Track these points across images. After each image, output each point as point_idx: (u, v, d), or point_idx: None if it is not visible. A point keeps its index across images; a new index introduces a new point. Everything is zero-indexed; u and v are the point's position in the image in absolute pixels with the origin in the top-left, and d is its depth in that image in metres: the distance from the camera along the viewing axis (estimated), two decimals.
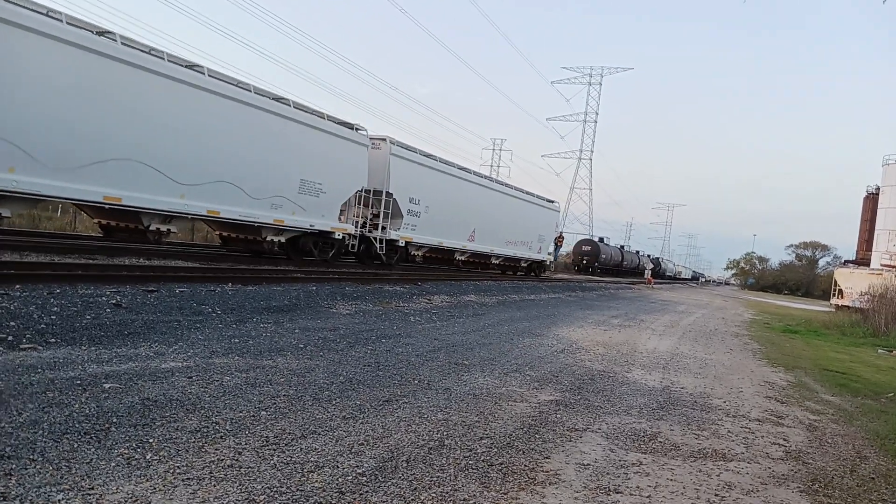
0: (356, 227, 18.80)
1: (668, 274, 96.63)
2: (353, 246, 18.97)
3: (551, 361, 7.65)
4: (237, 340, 6.50)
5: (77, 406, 3.77)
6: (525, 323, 11.57)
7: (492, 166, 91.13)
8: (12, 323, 5.69)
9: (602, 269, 59.65)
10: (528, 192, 30.69)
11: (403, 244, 20.47)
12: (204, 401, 4.20)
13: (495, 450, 3.93)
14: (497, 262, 28.85)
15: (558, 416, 5.04)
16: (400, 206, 19.81)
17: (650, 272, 58.87)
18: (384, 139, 19.37)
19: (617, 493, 3.49)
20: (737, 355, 10.93)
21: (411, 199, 20.51)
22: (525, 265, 31.83)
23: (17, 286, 7.22)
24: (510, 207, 28.28)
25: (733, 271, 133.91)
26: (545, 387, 6.11)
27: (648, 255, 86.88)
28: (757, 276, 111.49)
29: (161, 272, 10.46)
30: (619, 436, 4.69)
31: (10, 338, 5.28)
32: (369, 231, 19.35)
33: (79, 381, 4.28)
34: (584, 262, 59.13)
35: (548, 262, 34.14)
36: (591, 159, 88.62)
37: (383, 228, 19.33)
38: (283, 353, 6.18)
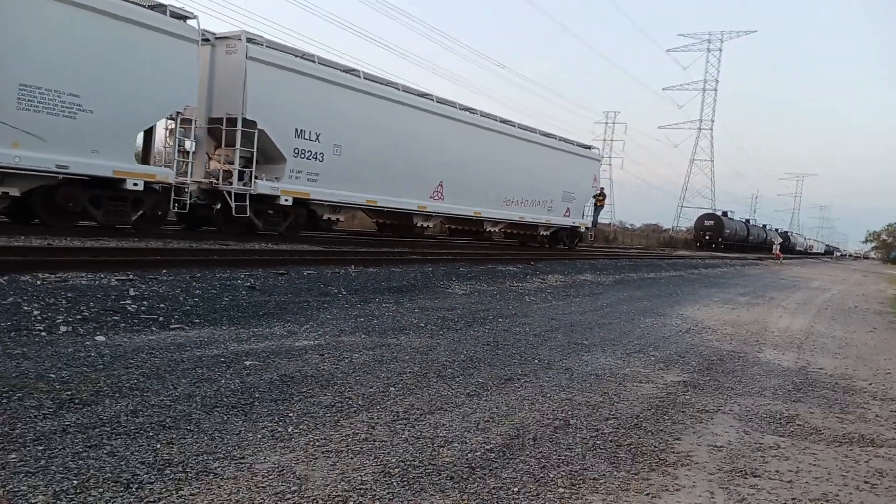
0: (186, 173, 12.38)
1: (798, 248, 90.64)
2: (182, 205, 12.31)
3: (676, 341, 7.41)
4: (362, 320, 6.76)
5: (223, 382, 4.06)
6: (645, 302, 11.25)
7: (605, 140, 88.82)
8: (162, 305, 6.20)
9: (726, 244, 56.85)
10: (545, 134, 23.26)
11: (290, 201, 14.08)
12: (336, 377, 4.41)
13: (623, 430, 3.87)
14: (495, 229, 22.38)
15: (686, 397, 4.89)
16: (277, 145, 13.58)
17: (779, 247, 55.37)
18: (239, 37, 13.07)
19: (755, 476, 3.34)
20: (882, 334, 10.11)
21: (301, 133, 14.02)
22: (546, 234, 24.44)
23: (164, 271, 7.84)
24: (512, 153, 21.21)
25: (873, 244, 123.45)
26: (671, 367, 5.93)
27: (776, 229, 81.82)
28: None
29: (288, 256, 11.02)
30: (754, 418, 4.49)
31: (161, 318, 5.76)
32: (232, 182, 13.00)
33: (223, 359, 4.61)
34: (707, 237, 56.65)
35: (583, 229, 26.35)
36: (711, 129, 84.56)
37: (242, 177, 13.00)
38: (406, 331, 6.36)
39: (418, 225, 18.66)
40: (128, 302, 6.08)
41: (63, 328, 5.03)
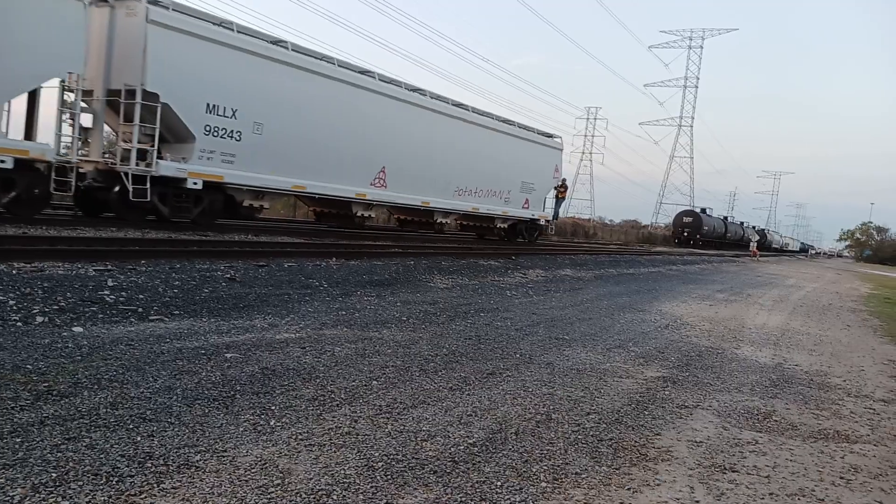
0: (70, 148, 10.79)
1: (774, 246, 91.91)
2: (69, 186, 10.61)
3: (655, 337, 7.48)
4: (344, 313, 6.73)
5: (204, 374, 4.02)
6: (625, 297, 11.34)
7: (585, 135, 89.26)
8: (141, 296, 6.13)
9: (704, 241, 57.43)
10: (503, 120, 21.52)
11: (200, 185, 12.22)
12: (318, 370, 4.39)
13: (604, 425, 3.90)
14: (447, 221, 20.49)
15: (666, 392, 4.94)
16: (184, 121, 11.89)
17: (755, 244, 56.13)
18: None
19: (733, 471, 3.39)
20: (855, 332, 10.29)
21: (214, 109, 12.21)
22: (503, 226, 22.84)
23: (143, 262, 7.75)
24: (465, 140, 19.45)
25: (847, 243, 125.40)
26: (651, 363, 5.98)
27: (754, 227, 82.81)
28: (875, 248, 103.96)
29: (269, 248, 10.93)
30: (732, 413, 4.54)
31: (140, 310, 5.69)
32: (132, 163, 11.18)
33: (203, 351, 4.57)
34: (685, 234, 57.18)
35: (543, 222, 24.55)
36: (691, 126, 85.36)
37: (145, 157, 11.35)
38: (388, 325, 6.35)
39: (358, 214, 16.77)
40: (106, 293, 6.00)
41: (40, 318, 4.96)
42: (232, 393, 3.72)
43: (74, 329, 4.81)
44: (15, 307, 5.10)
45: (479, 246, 18.19)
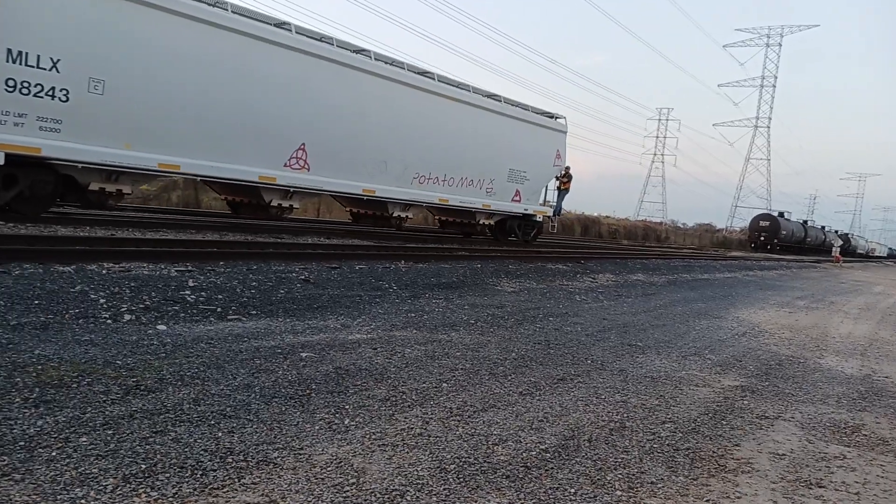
0: None
1: (859, 251, 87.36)
2: None
3: (732, 345, 7.23)
4: (413, 315, 6.79)
5: (280, 373, 4.13)
6: (700, 304, 11.01)
7: (657, 137, 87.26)
8: (220, 296, 6.35)
9: (782, 246, 55.19)
10: (487, 95, 17.58)
11: (2, 160, 8.98)
12: (390, 371, 4.44)
13: (680, 434, 3.80)
14: (405, 214, 16.37)
15: (745, 402, 4.76)
16: None
17: (838, 249, 53.48)
18: None
19: (819, 486, 3.23)
20: None
21: (20, 58, 9.00)
22: (488, 223, 18.84)
23: (221, 263, 8.03)
24: (427, 115, 15.64)
25: None
26: (728, 371, 5.79)
27: (836, 231, 79.01)
28: None
29: (341, 250, 11.15)
30: (816, 426, 4.34)
31: (219, 309, 5.89)
32: None
33: (279, 350, 4.69)
34: (762, 238, 55.12)
35: (540, 218, 20.57)
36: (768, 127, 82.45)
37: None
38: (456, 328, 6.36)
39: (274, 204, 13.20)
40: (187, 292, 6.25)
41: (127, 316, 5.20)
42: (307, 392, 3.81)
43: (159, 327, 5.03)
44: (105, 305, 5.37)
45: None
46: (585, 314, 8.23)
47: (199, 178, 12.08)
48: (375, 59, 14.27)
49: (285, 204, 13.51)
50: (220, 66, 11.45)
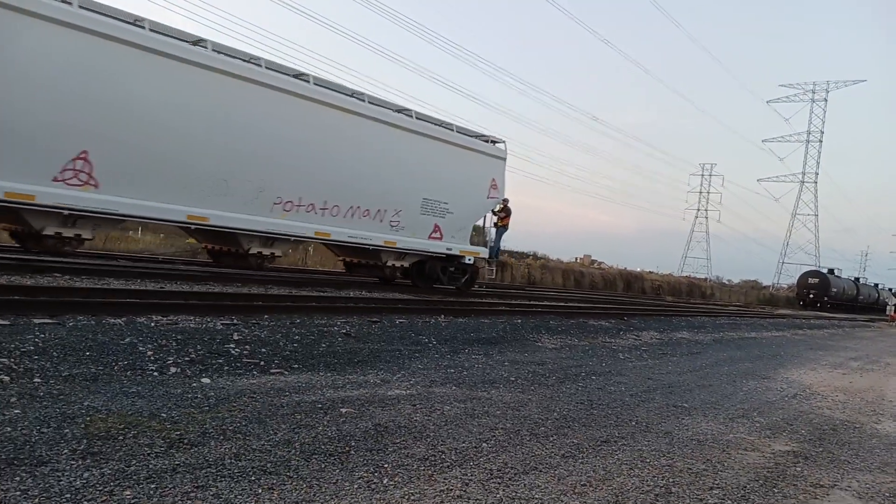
0: None
1: None
2: None
3: (782, 407, 6.97)
4: (452, 371, 6.76)
5: (320, 428, 4.14)
6: (747, 363, 10.69)
7: (700, 192, 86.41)
8: (263, 349, 6.44)
9: (832, 303, 53.48)
10: (397, 109, 14.69)
11: None
12: (429, 429, 4.41)
13: (729, 502, 3.65)
14: (266, 250, 12.85)
15: (798, 469, 4.57)
16: None
17: (893, 308, 51.51)
18: None
19: None
20: None
21: None
22: (397, 264, 15.65)
23: (266, 316, 8.16)
24: (301, 126, 12.48)
25: None
26: (779, 435, 5.57)
27: (890, 289, 76.23)
28: None
29: (382, 304, 11.22)
30: (876, 496, 4.13)
31: (262, 363, 5.96)
32: None
33: (320, 405, 4.71)
34: (811, 296, 53.56)
35: (471, 260, 17.11)
36: (815, 182, 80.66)
37: None
38: (496, 385, 6.30)
39: (51, 234, 9.91)
40: (231, 346, 6.35)
41: (173, 369, 5.30)
42: (347, 448, 3.80)
43: (203, 380, 5.10)
44: (152, 357, 5.49)
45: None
46: (629, 373, 8.07)
47: (42, 223, 9.76)
48: (213, 49, 11.22)
49: (68, 234, 10.11)
50: None
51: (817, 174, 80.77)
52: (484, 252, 17.66)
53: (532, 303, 16.87)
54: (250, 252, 12.66)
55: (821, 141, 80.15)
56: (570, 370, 7.71)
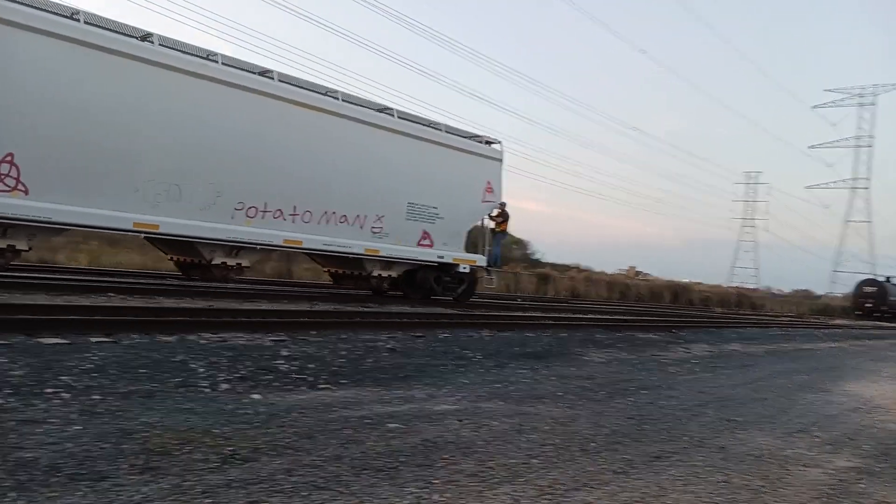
0: None
1: None
2: None
3: (843, 421, 6.72)
4: (498, 385, 6.71)
5: (369, 444, 4.15)
6: (804, 376, 10.36)
7: (746, 201, 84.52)
8: (311, 365, 6.51)
9: (892, 313, 51.46)
10: (374, 106, 14.10)
11: None
12: (476, 444, 4.38)
13: None
14: (231, 261, 12.15)
15: (863, 486, 4.39)
16: None
17: None
18: None
19: None
20: None
21: None
22: (384, 274, 14.75)
23: (313, 332, 8.26)
24: (259, 122, 11.75)
25: None
26: (840, 450, 5.37)
27: None
28: None
29: (426, 318, 11.25)
30: None
31: (310, 378, 6.03)
32: None
33: (368, 420, 4.73)
34: (868, 305, 51.66)
35: (467, 268, 16.20)
36: (867, 188, 78.24)
37: None
38: (543, 400, 6.23)
39: None
40: (280, 362, 6.44)
41: (224, 386, 5.40)
42: (396, 464, 3.80)
43: (253, 396, 5.18)
44: (204, 374, 5.60)
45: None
46: (680, 387, 7.90)
47: None
48: (160, 44, 10.55)
49: (3, 244, 9.35)
50: None
51: (869, 179, 78.38)
52: (481, 260, 16.60)
53: (577, 316, 16.69)
54: (213, 263, 11.95)
55: (871, 145, 77.85)
56: (619, 384, 7.58)
